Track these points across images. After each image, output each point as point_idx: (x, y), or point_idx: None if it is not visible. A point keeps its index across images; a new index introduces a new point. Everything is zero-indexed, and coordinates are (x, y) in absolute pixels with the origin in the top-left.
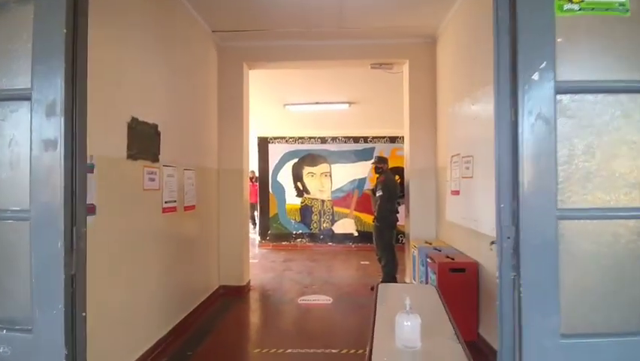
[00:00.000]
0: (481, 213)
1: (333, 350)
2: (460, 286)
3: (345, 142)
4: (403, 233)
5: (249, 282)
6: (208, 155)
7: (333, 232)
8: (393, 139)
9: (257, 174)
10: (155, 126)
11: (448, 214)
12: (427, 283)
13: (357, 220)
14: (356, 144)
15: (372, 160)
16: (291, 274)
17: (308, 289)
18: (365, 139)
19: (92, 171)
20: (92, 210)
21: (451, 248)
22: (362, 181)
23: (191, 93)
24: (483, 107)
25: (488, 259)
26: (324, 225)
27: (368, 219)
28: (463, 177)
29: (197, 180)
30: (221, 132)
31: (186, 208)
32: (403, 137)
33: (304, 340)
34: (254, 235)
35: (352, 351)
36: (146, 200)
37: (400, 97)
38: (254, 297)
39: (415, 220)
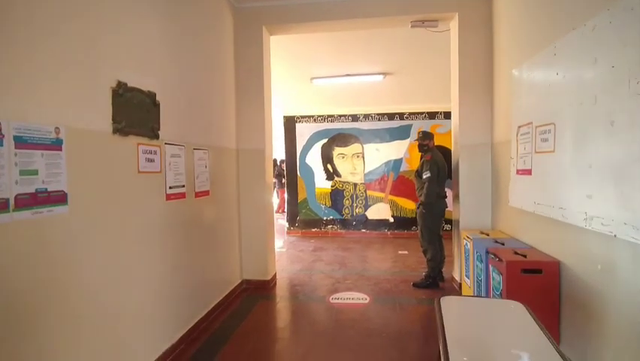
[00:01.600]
0: (569, 197)
1: None
2: (535, 292)
3: (379, 120)
4: (450, 221)
5: (275, 275)
6: (224, 133)
7: (366, 217)
8: (432, 115)
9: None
10: (153, 95)
11: (512, 199)
12: (488, 284)
13: (393, 205)
14: (391, 122)
15: (416, 137)
16: (321, 265)
17: (341, 284)
18: (401, 116)
19: (59, 148)
20: (60, 199)
21: (517, 241)
22: (398, 162)
23: (201, 60)
24: (572, 56)
25: (575, 257)
26: (357, 210)
27: (405, 203)
28: (537, 152)
29: (212, 162)
30: (239, 108)
31: (198, 194)
32: (442, 112)
33: (337, 353)
34: (282, 220)
35: None
36: (142, 185)
37: (444, 63)
38: (280, 294)
39: (465, 206)
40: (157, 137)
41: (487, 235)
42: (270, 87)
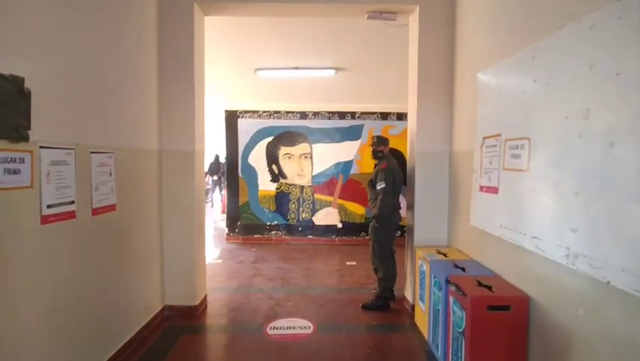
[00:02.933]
0: (546, 227)
1: None
2: (501, 331)
3: (329, 118)
4: (403, 228)
5: (205, 298)
6: (141, 131)
7: (313, 223)
8: (385, 115)
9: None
10: (19, 82)
11: (474, 218)
12: (446, 317)
13: (342, 210)
14: (342, 121)
15: (370, 142)
16: (261, 281)
17: (281, 307)
18: (352, 115)
19: None
20: None
21: (478, 265)
22: (348, 164)
23: (108, 40)
24: (558, 61)
25: (550, 295)
26: (303, 215)
27: (354, 208)
28: (506, 169)
29: (121, 168)
30: (163, 101)
31: (98, 211)
32: (395, 113)
33: None
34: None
35: None
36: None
37: (401, 61)
38: (209, 323)
39: (421, 219)
40: (24, 138)
41: (445, 255)
42: (202, 76)
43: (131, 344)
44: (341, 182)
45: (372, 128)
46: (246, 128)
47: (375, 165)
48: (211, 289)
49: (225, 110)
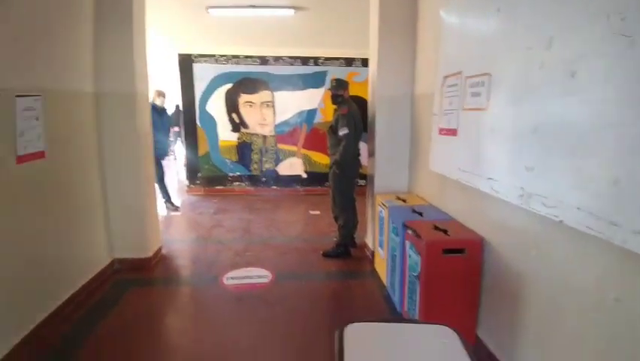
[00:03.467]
0: (502, 167)
1: None
2: (456, 273)
3: (291, 64)
4: (365, 176)
5: (159, 250)
6: (73, 71)
7: (277, 173)
8: (349, 61)
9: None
10: None
11: (433, 163)
12: (403, 262)
13: (306, 160)
14: (304, 67)
15: (329, 85)
16: (221, 232)
17: (241, 258)
18: (315, 61)
19: None
20: None
21: (436, 210)
22: (311, 113)
23: None
24: None
25: (503, 237)
26: (267, 165)
27: (318, 158)
28: (466, 109)
29: (50, 112)
30: (99, 38)
31: (23, 158)
32: (360, 59)
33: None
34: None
35: None
36: None
37: (365, 1)
38: (162, 276)
39: (382, 166)
40: None
41: (404, 200)
42: (143, 7)
43: (74, 299)
44: (305, 131)
45: (336, 74)
46: (203, 73)
47: (335, 110)
48: (167, 241)
49: (179, 54)
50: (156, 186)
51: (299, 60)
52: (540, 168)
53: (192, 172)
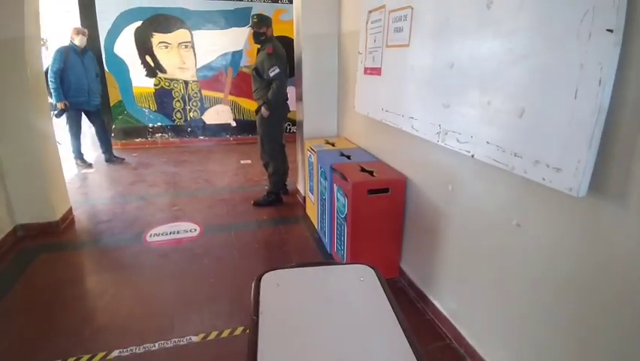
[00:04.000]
0: (422, 105)
1: (194, 338)
2: (381, 212)
3: None
4: (293, 121)
5: (70, 212)
6: None
7: (204, 122)
8: None
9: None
10: None
11: (359, 104)
12: (332, 205)
13: (235, 107)
14: (225, 2)
15: (250, 23)
16: (142, 188)
17: (165, 213)
18: None
19: None
20: None
21: (364, 152)
22: (237, 55)
23: None
24: None
25: (424, 175)
26: (192, 114)
27: (247, 104)
28: (389, 46)
29: None
30: None
31: None
32: None
33: (148, 327)
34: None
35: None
36: None
37: None
38: (75, 239)
39: (310, 110)
40: None
41: (333, 145)
42: None
43: None
44: (231, 76)
45: (262, 11)
46: (105, 9)
47: (259, 50)
48: (79, 202)
49: None
50: (69, 140)
51: None
52: (455, 105)
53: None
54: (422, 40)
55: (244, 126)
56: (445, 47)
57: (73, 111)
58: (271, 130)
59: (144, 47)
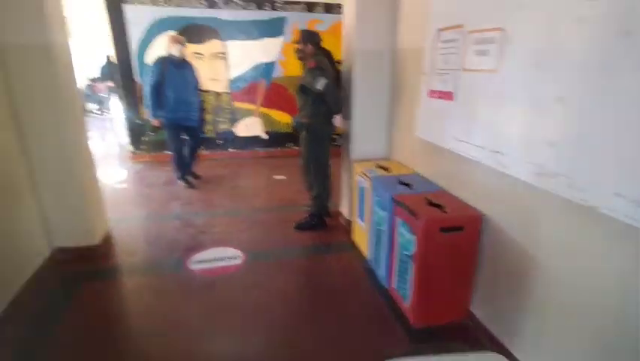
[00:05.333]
0: (514, 139)
1: None
2: (453, 251)
3: (244, 8)
4: (339, 134)
5: (109, 233)
6: None
7: (234, 135)
8: (310, 6)
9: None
10: None
11: (421, 128)
12: (392, 238)
13: (266, 119)
14: (259, 12)
15: (299, 38)
16: (177, 206)
17: (205, 235)
18: (272, 4)
19: None
20: None
21: (424, 180)
22: (270, 66)
23: None
24: None
25: (503, 210)
26: (222, 126)
27: (279, 116)
28: (467, 70)
29: None
30: None
31: None
32: (323, 4)
33: None
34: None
35: None
36: None
37: None
38: (116, 264)
39: (358, 129)
40: None
41: (387, 169)
42: None
43: (17, 301)
44: (263, 87)
45: (296, 22)
46: (138, 18)
47: (307, 64)
48: (115, 221)
49: None
50: (171, 160)
51: (253, 3)
52: (566, 145)
53: (135, 136)
54: (517, 68)
55: (275, 139)
56: (552, 79)
57: (172, 128)
58: (316, 150)
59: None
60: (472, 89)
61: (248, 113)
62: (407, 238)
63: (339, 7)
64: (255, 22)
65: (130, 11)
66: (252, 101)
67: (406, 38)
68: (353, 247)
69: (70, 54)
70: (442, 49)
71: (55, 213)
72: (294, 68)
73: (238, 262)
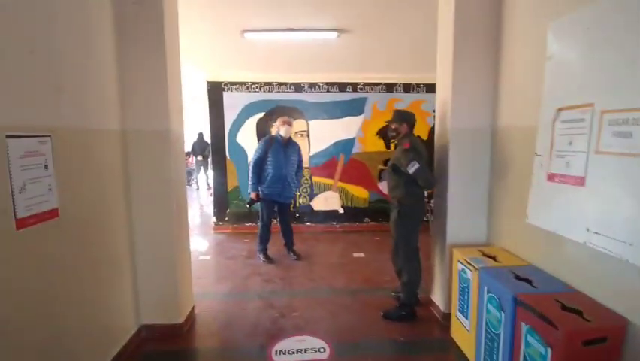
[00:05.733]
0: None
1: None
2: None
3: (328, 90)
4: (430, 210)
5: (192, 311)
6: (95, 105)
7: (312, 208)
8: (390, 87)
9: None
10: None
11: (535, 215)
12: (512, 347)
13: (343, 193)
14: (342, 94)
15: (394, 117)
16: (257, 282)
17: (286, 320)
18: (354, 87)
19: None
20: None
21: (545, 276)
22: (349, 143)
23: None
24: None
25: None
26: (301, 200)
27: (356, 191)
28: (601, 152)
29: (62, 157)
30: (124, 64)
31: (27, 221)
32: (401, 84)
33: None
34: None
35: None
36: None
37: (416, 19)
38: (197, 346)
39: (455, 211)
40: None
41: (494, 258)
42: (176, 31)
43: None
44: (342, 163)
45: (377, 101)
46: (233, 102)
47: (396, 145)
48: (198, 295)
49: (208, 82)
50: (258, 231)
51: (336, 86)
52: None
53: (220, 208)
54: None
55: (351, 213)
56: None
57: (265, 202)
58: (407, 232)
59: (265, 137)
60: (613, 175)
61: (326, 187)
62: (538, 351)
63: (418, 87)
64: (337, 103)
65: (227, 97)
66: (331, 176)
67: (509, 115)
68: (452, 346)
69: (182, 139)
70: (562, 128)
71: (147, 288)
72: (372, 145)
73: (324, 356)
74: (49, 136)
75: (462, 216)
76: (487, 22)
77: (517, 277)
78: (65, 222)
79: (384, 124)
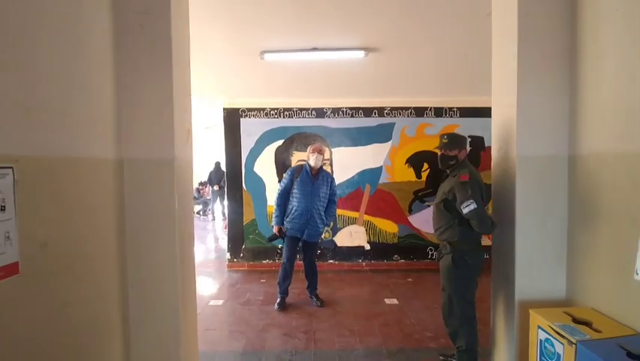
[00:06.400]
0: None
1: None
2: None
3: (352, 116)
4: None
5: None
6: (83, 130)
7: (335, 244)
8: (420, 111)
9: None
10: None
11: None
12: None
13: (370, 227)
14: (367, 119)
15: (440, 143)
16: (276, 338)
17: None
18: (380, 111)
19: None
20: None
21: None
22: (376, 172)
23: None
24: None
25: None
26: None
27: (384, 225)
28: None
29: (29, 194)
30: (123, 84)
31: None
32: (432, 108)
33: None
34: (222, 241)
35: None
36: None
37: (453, 36)
38: None
39: (524, 260)
40: None
41: (589, 324)
42: (186, 46)
43: None
44: (368, 194)
45: (406, 127)
46: (251, 129)
47: (446, 176)
48: (209, 351)
49: (224, 108)
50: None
51: (361, 111)
52: None
53: (235, 243)
54: None
55: (379, 250)
56: None
57: (288, 238)
58: (465, 285)
59: (283, 165)
60: None
61: (350, 220)
62: None
63: (451, 110)
64: (362, 129)
65: (245, 124)
66: (356, 208)
67: (598, 138)
68: None
69: (190, 169)
70: None
71: (140, 349)
72: (401, 174)
73: None
74: (10, 168)
75: (535, 265)
76: (557, 29)
77: (630, 355)
78: (29, 279)
79: (414, 151)
